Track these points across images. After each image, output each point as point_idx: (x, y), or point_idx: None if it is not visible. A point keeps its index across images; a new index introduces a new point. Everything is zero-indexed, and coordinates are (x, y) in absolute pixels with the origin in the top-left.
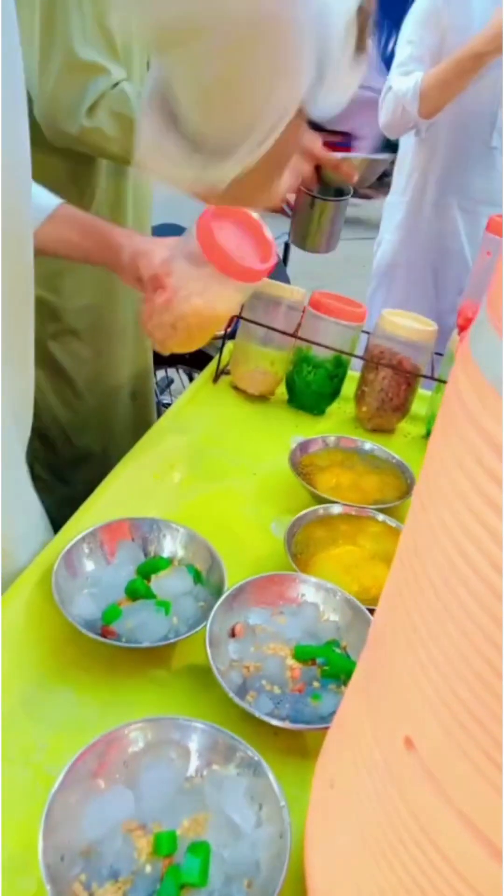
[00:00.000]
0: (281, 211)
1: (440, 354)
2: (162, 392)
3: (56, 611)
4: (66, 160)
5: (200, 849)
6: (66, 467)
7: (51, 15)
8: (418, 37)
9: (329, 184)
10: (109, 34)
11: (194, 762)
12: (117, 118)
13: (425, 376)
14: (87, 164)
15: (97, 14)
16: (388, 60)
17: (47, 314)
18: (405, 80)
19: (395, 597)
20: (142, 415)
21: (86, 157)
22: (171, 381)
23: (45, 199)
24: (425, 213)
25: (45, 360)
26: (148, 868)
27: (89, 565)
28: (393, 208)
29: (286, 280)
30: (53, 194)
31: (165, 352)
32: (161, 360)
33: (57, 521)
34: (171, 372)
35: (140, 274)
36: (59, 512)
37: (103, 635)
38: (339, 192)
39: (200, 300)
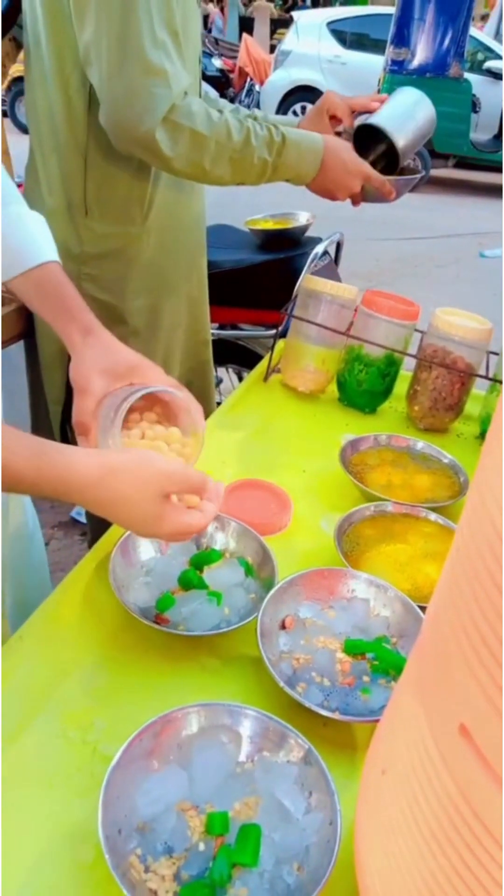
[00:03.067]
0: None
1: (496, 353)
2: None
3: (113, 597)
4: (128, 170)
5: (252, 830)
6: None
7: (126, 20)
8: None
9: (370, 198)
10: (176, 39)
11: (245, 748)
12: (183, 133)
13: (480, 376)
14: (146, 175)
15: (167, 21)
16: (443, 57)
17: (115, 318)
18: None
19: (452, 587)
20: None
21: (146, 168)
22: (220, 381)
23: (33, 252)
24: None
25: None
26: (201, 846)
27: (144, 554)
28: None
29: (338, 279)
30: (47, 248)
31: None
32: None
33: (94, 518)
34: (221, 371)
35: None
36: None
37: (157, 623)
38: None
39: None
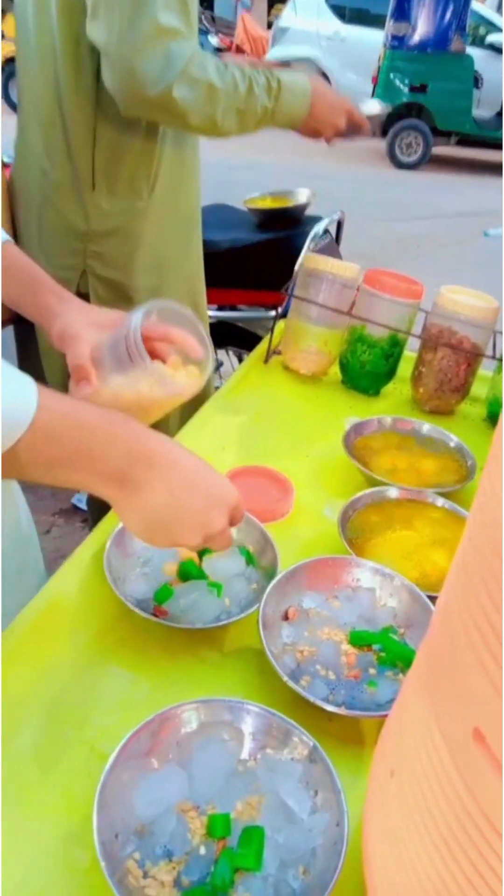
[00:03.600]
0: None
1: (503, 332)
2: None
3: (109, 589)
4: (136, 141)
5: (255, 833)
6: None
7: None
8: None
9: (347, 134)
10: (184, 7)
11: (248, 745)
12: (198, 86)
13: (486, 356)
14: (153, 147)
15: None
16: (444, 31)
17: (122, 296)
18: None
19: (463, 582)
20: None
21: (153, 139)
22: (220, 364)
23: None
24: None
25: None
26: (202, 849)
27: (141, 545)
28: None
29: (339, 258)
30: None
31: None
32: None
33: (95, 506)
34: (221, 354)
35: (65, 355)
36: (96, 497)
37: (155, 615)
38: None
39: (128, 396)
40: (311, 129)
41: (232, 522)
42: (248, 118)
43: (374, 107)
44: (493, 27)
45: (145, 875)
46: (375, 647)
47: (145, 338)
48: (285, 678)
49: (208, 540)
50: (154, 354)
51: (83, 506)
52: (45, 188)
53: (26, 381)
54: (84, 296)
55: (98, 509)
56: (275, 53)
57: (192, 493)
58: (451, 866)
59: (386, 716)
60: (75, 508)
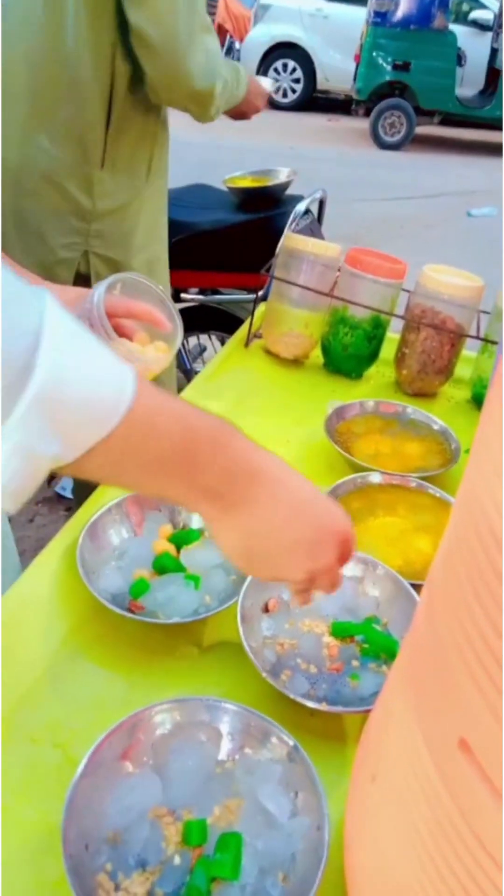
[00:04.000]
0: None
1: (487, 312)
2: (194, 360)
3: (83, 583)
4: (140, 113)
5: (232, 840)
6: None
7: None
8: None
9: None
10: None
11: (226, 746)
12: (222, 79)
13: (470, 336)
14: (154, 116)
15: None
16: (427, 7)
17: None
18: None
19: (449, 578)
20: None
21: (154, 110)
22: (203, 349)
23: None
24: None
25: None
26: (177, 859)
27: (116, 537)
28: None
29: (321, 238)
30: None
31: None
32: (192, 327)
33: (81, 494)
34: (204, 338)
35: None
36: (83, 485)
37: (131, 610)
38: None
39: None
40: (239, 112)
41: (341, 559)
42: (228, 105)
43: (267, 84)
44: (477, 3)
45: (117, 888)
46: (358, 638)
47: (110, 315)
48: (264, 674)
49: (314, 576)
50: (120, 332)
51: (67, 494)
52: (48, 165)
53: (122, 366)
54: (84, 277)
55: (83, 497)
56: (258, 32)
57: (299, 521)
58: (435, 879)
59: (369, 711)
60: (59, 497)
